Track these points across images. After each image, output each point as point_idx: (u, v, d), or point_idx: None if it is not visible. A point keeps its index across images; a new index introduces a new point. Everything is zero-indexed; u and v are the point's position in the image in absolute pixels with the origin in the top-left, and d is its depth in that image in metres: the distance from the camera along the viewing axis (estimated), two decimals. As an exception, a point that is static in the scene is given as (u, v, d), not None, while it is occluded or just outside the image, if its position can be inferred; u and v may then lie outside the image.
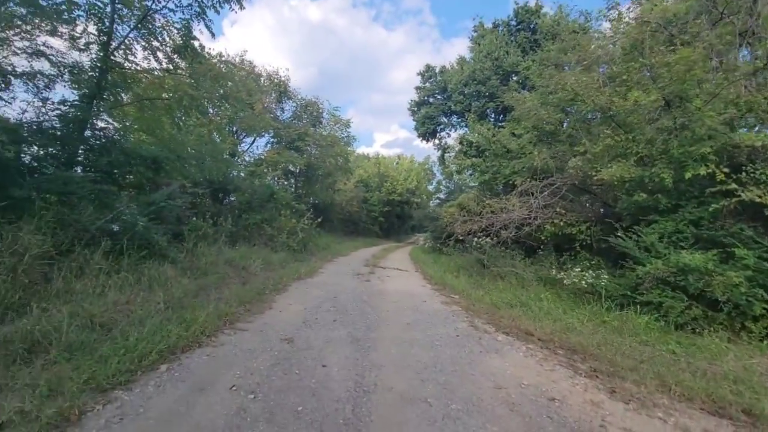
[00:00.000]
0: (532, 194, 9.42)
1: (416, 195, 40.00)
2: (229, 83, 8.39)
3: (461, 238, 14.59)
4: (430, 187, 38.83)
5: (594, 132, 9.43)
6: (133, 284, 4.74)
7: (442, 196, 25.80)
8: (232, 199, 14.04)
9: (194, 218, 8.83)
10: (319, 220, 14.46)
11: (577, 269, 7.56)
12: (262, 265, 8.29)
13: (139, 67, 8.10)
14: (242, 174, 16.23)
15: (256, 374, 3.14)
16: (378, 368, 3.51)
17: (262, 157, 17.95)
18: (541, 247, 10.52)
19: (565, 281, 7.75)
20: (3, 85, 6.69)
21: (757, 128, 7.31)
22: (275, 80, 17.07)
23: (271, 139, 19.16)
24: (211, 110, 12.64)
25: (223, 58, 8.03)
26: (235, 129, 18.31)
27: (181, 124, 10.41)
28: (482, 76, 17.79)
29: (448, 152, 23.16)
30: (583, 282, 7.15)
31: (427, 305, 6.64)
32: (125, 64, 8.03)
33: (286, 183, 20.08)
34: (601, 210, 9.24)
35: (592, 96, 7.47)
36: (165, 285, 5.12)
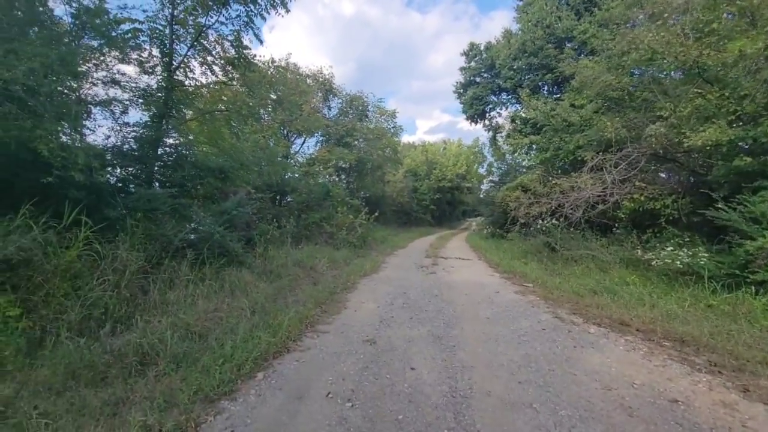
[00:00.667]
0: (605, 169, 8.63)
1: (467, 179, 38.98)
2: (282, 87, 8.54)
3: (523, 221, 13.93)
4: (482, 170, 37.56)
5: (673, 94, 8.39)
6: (217, 291, 4.97)
7: (494, 178, 24.77)
8: (290, 200, 14.48)
9: (260, 223, 9.17)
10: (376, 214, 14.47)
11: (668, 248, 6.81)
12: (328, 264, 8.42)
13: (197, 83, 8.50)
14: (297, 175, 16.71)
15: (348, 380, 3.10)
16: (469, 370, 3.34)
17: (314, 156, 18.32)
18: (617, 225, 9.66)
19: (654, 262, 7.03)
20: (86, 115, 7.34)
21: None
22: (320, 79, 17.28)
23: (321, 138, 19.49)
24: (264, 116, 13.07)
25: (274, 63, 8.19)
26: (285, 132, 18.88)
27: (239, 133, 10.85)
28: (533, 46, 16.62)
29: (500, 132, 22.10)
30: (678, 262, 6.41)
31: (502, 296, 6.34)
32: (186, 82, 8.46)
33: (337, 180, 20.37)
34: (690, 180, 8.24)
35: (676, 52, 6.59)
36: (245, 290, 5.32)
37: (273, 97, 8.80)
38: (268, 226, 8.62)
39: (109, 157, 6.34)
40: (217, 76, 8.80)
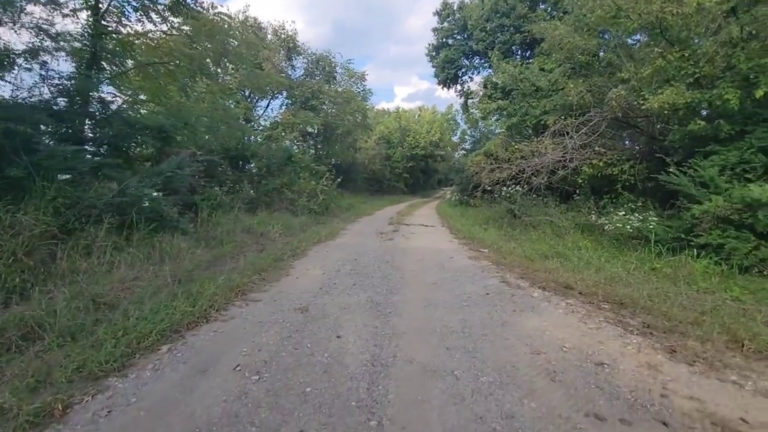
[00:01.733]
0: (567, 134, 8.50)
1: (440, 147, 38.67)
2: (231, 41, 7.74)
3: (489, 188, 13.88)
4: (455, 138, 37.28)
5: (638, 57, 8.21)
6: (143, 260, 4.56)
7: (467, 146, 24.61)
8: (251, 165, 13.82)
9: (212, 187, 8.64)
10: (339, 180, 14.05)
11: (620, 213, 6.83)
12: (282, 230, 8.08)
13: (132, 31, 7.61)
14: (259, 139, 15.91)
15: (264, 350, 2.87)
16: (399, 336, 3.17)
17: (278, 119, 17.45)
18: (577, 191, 9.70)
19: (606, 227, 7.07)
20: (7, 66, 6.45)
21: None
22: (282, 35, 16.12)
23: (286, 101, 18.53)
24: (223, 75, 12.15)
25: (215, 10, 7.28)
26: (248, 93, 17.80)
27: (189, 90, 9.99)
28: (506, 6, 16.01)
29: (472, 98, 21.66)
30: (628, 226, 6.45)
31: (455, 261, 6.23)
32: (120, 29, 7.59)
33: (304, 145, 19.63)
34: (647, 146, 8.23)
35: (639, 9, 6.32)
36: (177, 258, 4.94)
37: (219, 48, 7.94)
38: (217, 191, 8.11)
39: (20, 111, 5.62)
40: (155, 24, 7.94)
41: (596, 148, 8.38)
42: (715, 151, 6.17)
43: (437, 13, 20.79)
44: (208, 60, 7.81)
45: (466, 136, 27.62)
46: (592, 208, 8.57)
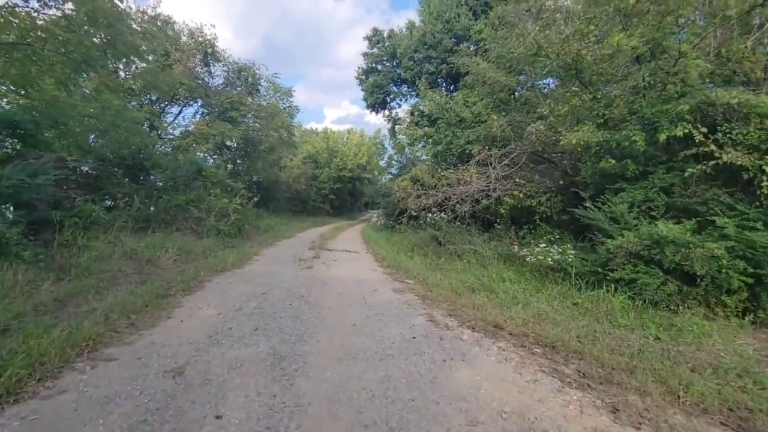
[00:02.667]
0: (490, 164, 8.61)
1: (368, 171, 38.82)
2: (122, 28, 6.44)
3: (415, 214, 13.77)
4: (382, 163, 37.75)
5: (553, 96, 8.75)
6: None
7: (394, 171, 24.79)
8: (152, 177, 12.02)
9: (88, 201, 7.05)
10: (255, 198, 12.86)
11: (541, 244, 6.89)
12: (178, 256, 6.80)
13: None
14: (166, 149, 14.07)
15: (94, 451, 1.91)
16: (302, 411, 2.41)
17: (189, 129, 15.73)
18: (498, 221, 9.89)
19: (528, 258, 7.09)
20: None
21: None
22: (198, 38, 14.70)
23: (201, 110, 16.87)
24: (113, 69, 10.47)
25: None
26: (155, 98, 15.84)
27: (69, 85, 8.27)
28: (433, 39, 16.60)
29: (399, 124, 22.00)
30: (549, 259, 6.49)
31: (378, 295, 5.63)
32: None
33: (220, 159, 17.95)
34: (561, 180, 8.66)
35: (558, 49, 6.62)
36: (5, 296, 3.61)
37: (101, 35, 6.52)
38: (93, 206, 6.59)
39: None
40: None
41: (517, 180, 8.59)
42: (623, 188, 6.53)
43: (367, 38, 20.99)
44: (94, 51, 6.41)
45: (392, 161, 27.94)
46: (513, 239, 8.70)
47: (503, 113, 10.65)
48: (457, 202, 8.55)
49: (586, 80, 7.13)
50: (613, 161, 6.47)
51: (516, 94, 12.42)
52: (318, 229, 19.94)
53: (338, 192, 35.95)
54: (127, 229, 7.50)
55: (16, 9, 6.48)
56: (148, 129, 14.50)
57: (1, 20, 6.07)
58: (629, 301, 5.32)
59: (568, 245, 6.89)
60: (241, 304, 4.66)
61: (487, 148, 8.77)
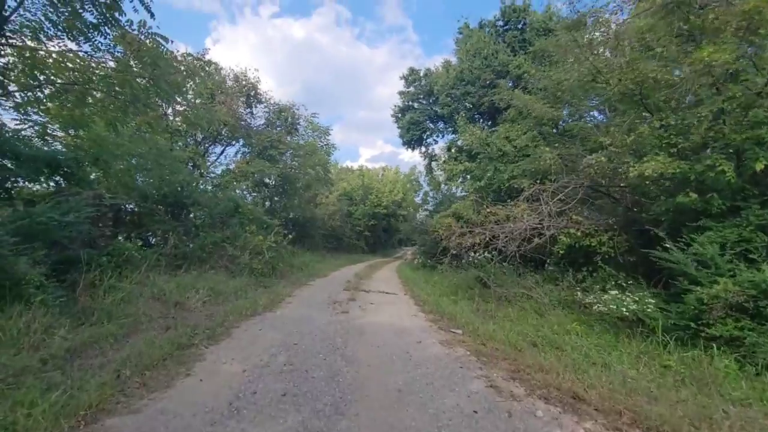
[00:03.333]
0: (541, 200, 7.85)
1: (402, 207, 38.50)
2: (170, 68, 6.58)
3: (455, 252, 13.00)
4: (417, 199, 37.36)
5: (609, 126, 8.00)
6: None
7: (429, 207, 24.23)
8: (191, 215, 12.14)
9: (124, 239, 6.95)
10: (290, 235, 12.62)
11: (612, 291, 5.93)
12: (208, 297, 6.43)
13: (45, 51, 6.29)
14: (207, 187, 14.38)
15: None
16: None
17: (230, 167, 16.13)
18: (548, 261, 8.92)
19: (595, 307, 6.11)
20: None
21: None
22: (243, 82, 15.37)
23: (242, 149, 17.39)
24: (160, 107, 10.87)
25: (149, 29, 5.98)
26: (200, 139, 16.50)
27: (117, 125, 8.55)
28: (471, 75, 16.46)
29: (436, 160, 21.72)
30: (624, 309, 5.51)
31: (424, 349, 4.88)
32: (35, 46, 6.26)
33: (258, 196, 18.21)
34: (623, 217, 7.71)
35: (619, 74, 6.00)
36: (16, 344, 3.25)
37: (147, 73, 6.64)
38: (128, 245, 6.43)
39: None
40: (79, 44, 6.69)
41: (573, 217, 7.73)
42: (708, 226, 5.57)
43: (404, 77, 21.32)
44: (140, 91, 6.54)
45: (428, 198, 27.44)
46: (571, 282, 7.72)
47: (551, 146, 9.97)
48: (508, 241, 7.76)
49: (652, 106, 6.40)
50: (695, 195, 5.57)
51: (560, 126, 11.76)
52: (352, 267, 19.43)
53: (373, 229, 35.72)
54: (161, 268, 7.30)
55: (69, 54, 6.79)
56: (191, 168, 15.01)
57: (57, 64, 6.34)
58: (735, 364, 4.30)
59: (644, 292, 5.88)
60: (269, 358, 4.08)
61: (537, 182, 8.04)
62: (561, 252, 7.48)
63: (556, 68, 8.61)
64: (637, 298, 5.60)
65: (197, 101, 11.00)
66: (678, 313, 5.21)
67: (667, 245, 5.57)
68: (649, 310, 5.39)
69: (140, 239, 10.00)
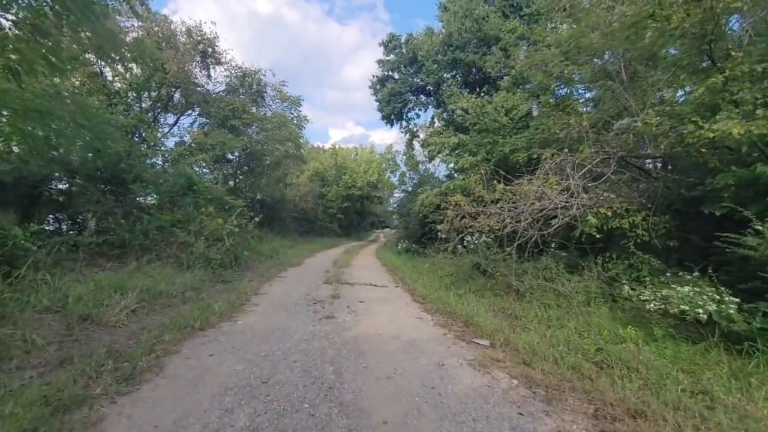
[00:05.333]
0: (568, 174, 6.47)
1: (378, 189, 36.91)
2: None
3: (444, 236, 11.66)
4: (394, 180, 35.78)
5: (649, 83, 6.67)
6: None
7: (408, 188, 22.71)
8: (135, 196, 9.99)
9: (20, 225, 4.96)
10: (257, 219, 10.74)
11: (684, 287, 4.65)
12: (140, 303, 4.64)
13: None
14: (157, 161, 12.13)
15: None
16: None
17: (185, 140, 13.86)
18: (569, 247, 7.63)
19: (650, 305, 4.84)
20: None
21: None
22: (197, 37, 12.96)
23: (199, 118, 15.01)
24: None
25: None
26: (148, 105, 14.03)
27: (22, 72, 6.35)
28: (460, 39, 14.80)
29: (417, 137, 20.12)
30: (699, 311, 4.24)
31: (452, 379, 3.39)
32: None
33: (219, 174, 16.01)
34: (667, 194, 6.46)
35: (686, 4, 4.60)
36: None
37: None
38: (17, 232, 4.48)
39: None
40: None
41: (603, 194, 6.43)
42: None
43: (383, 44, 19.30)
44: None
45: (405, 178, 25.86)
46: (600, 273, 6.48)
47: (559, 114, 8.61)
48: (529, 223, 6.35)
49: (721, 54, 5.07)
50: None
51: (560, 94, 10.46)
52: (328, 253, 17.79)
53: (346, 211, 33.98)
54: (78, 261, 5.38)
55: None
56: (138, 140, 12.65)
57: None
58: None
59: (715, 288, 4.64)
60: (219, 420, 2.45)
61: (565, 153, 6.63)
62: (595, 235, 6.17)
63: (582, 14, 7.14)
64: (716, 298, 4.36)
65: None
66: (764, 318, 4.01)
67: (760, 227, 4.30)
68: (731, 311, 4.16)
69: (68, 224, 8.00)
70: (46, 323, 3.60)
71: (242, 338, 4.12)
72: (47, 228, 8.41)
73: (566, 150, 6.65)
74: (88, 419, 2.33)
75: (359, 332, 4.62)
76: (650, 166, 7.13)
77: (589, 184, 6.62)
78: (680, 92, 6.79)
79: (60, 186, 9.56)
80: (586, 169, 6.44)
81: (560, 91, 10.60)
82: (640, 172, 6.91)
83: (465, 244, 9.29)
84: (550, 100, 8.66)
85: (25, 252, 4.37)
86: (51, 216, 9.09)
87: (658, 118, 5.21)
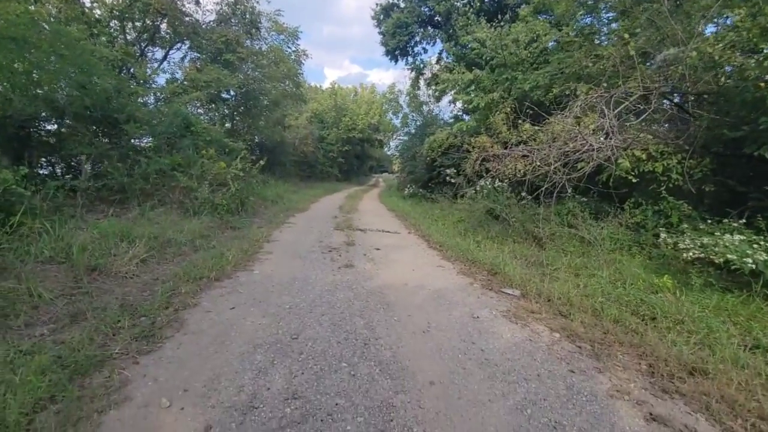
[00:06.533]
0: (604, 111, 5.91)
1: (379, 131, 35.68)
2: None
3: (453, 180, 11.30)
4: (396, 122, 34.46)
5: (697, 7, 5.88)
6: None
7: (411, 130, 21.79)
8: (129, 138, 9.36)
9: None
10: (261, 162, 10.23)
11: (733, 236, 4.37)
12: (149, 252, 4.36)
13: None
14: (149, 99, 11.32)
15: None
16: None
17: (177, 77, 12.86)
18: (593, 192, 7.26)
19: (687, 254, 4.59)
20: None
21: None
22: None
23: (190, 53, 13.83)
24: None
25: None
26: (132, 36, 12.84)
27: None
28: (476, -40, 13.22)
29: (423, 74, 18.85)
30: (748, 261, 3.98)
31: (490, 333, 3.20)
32: None
33: (216, 115, 15.12)
34: (708, 134, 5.97)
35: None
36: None
37: None
38: (4, 174, 4.05)
39: None
40: None
41: (639, 135, 5.95)
42: None
43: (388, -34, 17.38)
44: None
45: (408, 120, 24.67)
46: (626, 218, 6.20)
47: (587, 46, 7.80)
48: (562, 165, 5.92)
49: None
50: None
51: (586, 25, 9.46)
52: (332, 197, 17.48)
53: (346, 155, 33.10)
54: (78, 208, 5.03)
55: None
56: (125, 75, 11.70)
57: None
58: None
59: (763, 237, 4.36)
60: (254, 382, 2.24)
61: (603, 88, 6.00)
62: (630, 178, 5.79)
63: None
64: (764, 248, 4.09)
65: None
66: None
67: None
68: (782, 262, 3.92)
69: (63, 168, 7.59)
70: (51, 275, 3.32)
71: (262, 289, 3.89)
72: (41, 172, 7.97)
73: (605, 84, 6.01)
74: (111, 383, 2.10)
75: (383, 282, 4.40)
76: (689, 104, 6.54)
77: (625, 124, 6.11)
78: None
79: (49, 127, 8.94)
80: (623, 106, 5.88)
81: (585, 20, 9.60)
82: (679, 110, 6.35)
83: (478, 188, 8.93)
84: (582, 31, 7.76)
85: (18, 197, 3.99)
86: (43, 159, 8.59)
87: (718, 45, 4.56)
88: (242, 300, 3.54)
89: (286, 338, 2.84)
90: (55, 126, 8.90)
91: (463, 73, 10.89)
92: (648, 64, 6.44)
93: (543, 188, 6.13)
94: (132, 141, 9.23)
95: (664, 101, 6.31)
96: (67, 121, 8.56)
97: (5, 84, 7.20)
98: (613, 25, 9.13)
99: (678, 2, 6.40)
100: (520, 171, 6.10)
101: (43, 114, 8.35)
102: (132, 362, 2.36)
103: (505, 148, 6.90)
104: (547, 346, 2.98)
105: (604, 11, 8.80)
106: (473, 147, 7.65)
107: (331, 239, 6.73)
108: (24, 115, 7.47)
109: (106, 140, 8.93)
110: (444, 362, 2.65)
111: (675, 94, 6.32)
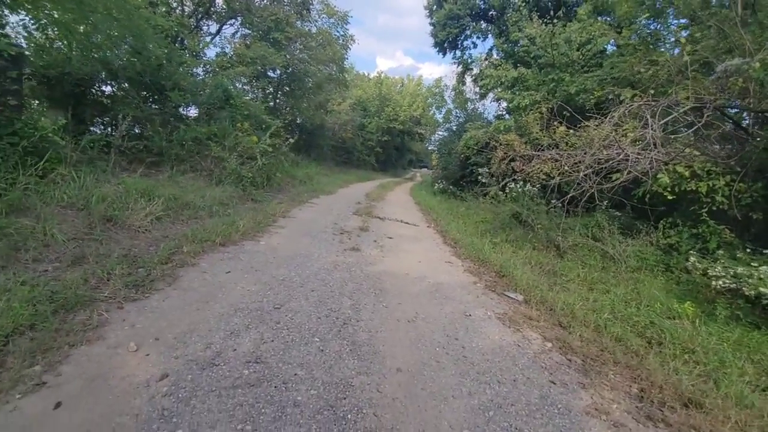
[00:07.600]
0: (649, 120, 5.48)
1: (421, 124, 35.31)
2: None
3: (485, 180, 10.94)
4: (439, 117, 33.96)
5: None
6: None
7: (453, 127, 21.36)
8: (173, 104, 9.82)
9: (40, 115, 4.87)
10: (291, 139, 10.40)
11: (764, 267, 3.95)
12: (166, 211, 4.56)
13: None
14: (198, 70, 11.80)
15: None
16: None
17: (226, 51, 13.30)
18: (626, 206, 6.80)
19: (720, 282, 4.20)
20: None
21: None
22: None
23: (241, 29, 14.26)
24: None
25: None
26: (190, 9, 13.40)
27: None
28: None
29: (470, 69, 18.36)
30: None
31: (478, 332, 3.09)
32: None
33: (259, 92, 15.52)
34: (763, 156, 5.40)
35: None
36: None
37: None
38: (42, 123, 4.36)
39: None
40: None
41: (684, 150, 5.48)
42: None
43: (445, -44, 16.94)
44: None
45: (450, 116, 24.15)
46: (660, 238, 5.76)
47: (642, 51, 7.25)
48: (594, 172, 5.58)
49: None
50: None
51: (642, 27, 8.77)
52: (363, 185, 17.56)
53: (385, 145, 33.09)
54: (111, 163, 5.35)
55: None
56: (179, 46, 12.27)
57: None
58: None
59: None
60: (223, 341, 2.29)
61: (650, 95, 5.57)
62: (666, 196, 5.37)
63: None
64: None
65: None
66: None
67: None
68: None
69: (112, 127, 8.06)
70: (69, 219, 3.56)
71: (262, 259, 3.97)
72: (94, 130, 8.55)
73: (652, 92, 5.57)
74: (90, 322, 2.22)
75: (384, 269, 4.36)
76: (747, 122, 5.93)
77: (670, 136, 5.65)
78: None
79: (104, 88, 9.54)
80: (671, 117, 5.43)
81: (650, 25, 8.93)
82: (736, 127, 5.78)
83: (507, 191, 8.62)
84: (644, 37, 7.23)
85: (53, 146, 4.29)
86: (98, 118, 9.20)
87: (756, 64, 4.09)
88: (240, 266, 3.64)
89: (269, 307, 2.88)
90: (109, 88, 9.51)
91: (508, 70, 10.47)
92: (711, 75, 5.89)
93: (569, 195, 5.80)
94: (177, 108, 9.69)
95: (719, 116, 5.75)
96: (121, 84, 9.11)
97: (65, 42, 7.73)
98: (682, 33, 8.46)
99: (752, 11, 5.79)
100: (547, 174, 5.79)
101: (100, 75, 8.92)
102: (116, 307, 2.48)
103: (536, 150, 6.57)
104: (535, 354, 2.84)
105: (671, 17, 8.13)
106: (499, 144, 7.34)
107: (347, 223, 6.76)
108: (81, 74, 8.01)
109: (154, 105, 9.42)
110: (419, 352, 2.59)
111: (733, 110, 5.74)
